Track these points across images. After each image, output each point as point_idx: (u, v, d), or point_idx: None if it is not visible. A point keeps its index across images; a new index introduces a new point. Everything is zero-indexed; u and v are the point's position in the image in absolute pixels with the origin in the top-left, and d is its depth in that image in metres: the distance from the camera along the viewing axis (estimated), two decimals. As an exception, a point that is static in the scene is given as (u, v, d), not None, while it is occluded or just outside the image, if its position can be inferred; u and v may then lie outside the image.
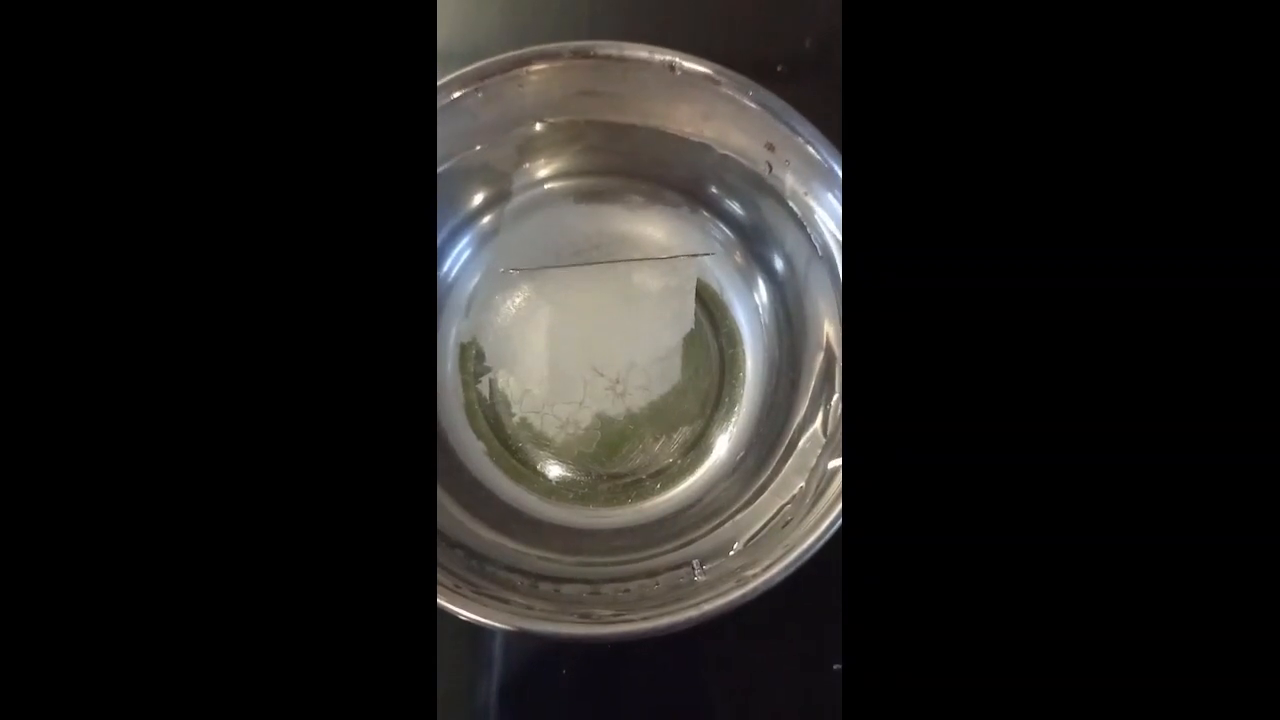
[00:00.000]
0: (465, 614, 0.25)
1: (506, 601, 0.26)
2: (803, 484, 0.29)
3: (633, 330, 0.34)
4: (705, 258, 0.35)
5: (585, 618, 0.25)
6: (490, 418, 0.34)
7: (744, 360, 0.35)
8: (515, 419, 0.34)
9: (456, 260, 0.35)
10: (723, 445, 0.34)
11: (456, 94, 0.30)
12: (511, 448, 0.33)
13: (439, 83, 0.30)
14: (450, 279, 0.35)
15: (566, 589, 0.28)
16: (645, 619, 0.25)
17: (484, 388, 0.34)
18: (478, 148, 0.32)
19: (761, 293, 0.35)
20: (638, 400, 0.34)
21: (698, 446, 0.34)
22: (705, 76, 0.31)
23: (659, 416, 0.34)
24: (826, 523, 0.26)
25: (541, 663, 0.32)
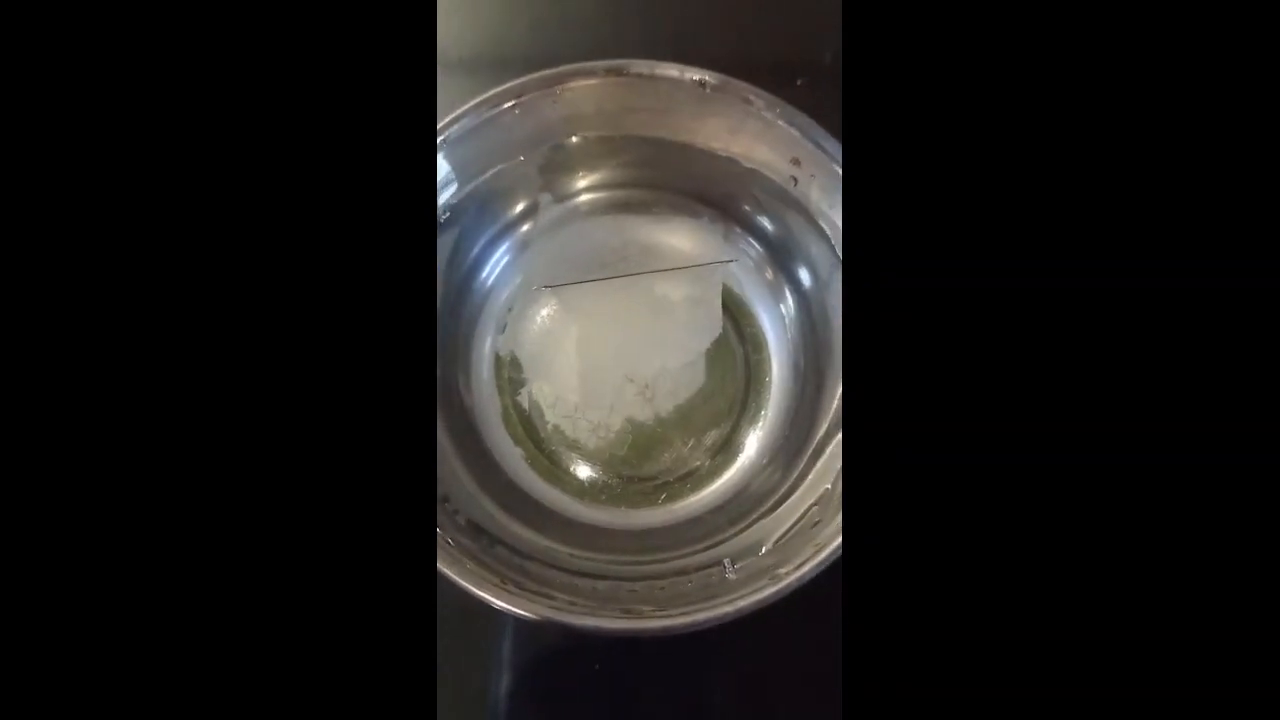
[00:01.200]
0: (511, 608, 0.26)
1: (551, 597, 0.27)
2: (829, 486, 0.30)
3: (661, 337, 0.36)
4: (732, 267, 0.37)
5: (628, 613, 0.26)
6: (525, 424, 0.35)
7: (769, 367, 0.36)
8: (550, 425, 0.35)
9: (494, 268, 0.36)
10: (750, 448, 0.35)
11: (495, 109, 0.32)
12: (546, 452, 0.35)
13: (479, 99, 0.31)
14: (488, 287, 0.36)
15: (602, 586, 0.29)
16: (684, 614, 0.26)
17: (522, 398, 0.35)
18: (519, 158, 0.34)
19: (787, 302, 0.36)
20: (666, 405, 0.35)
21: (725, 449, 0.35)
22: (734, 94, 0.32)
23: (687, 420, 0.35)
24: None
25: (562, 657, 0.33)
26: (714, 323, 0.36)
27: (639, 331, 0.36)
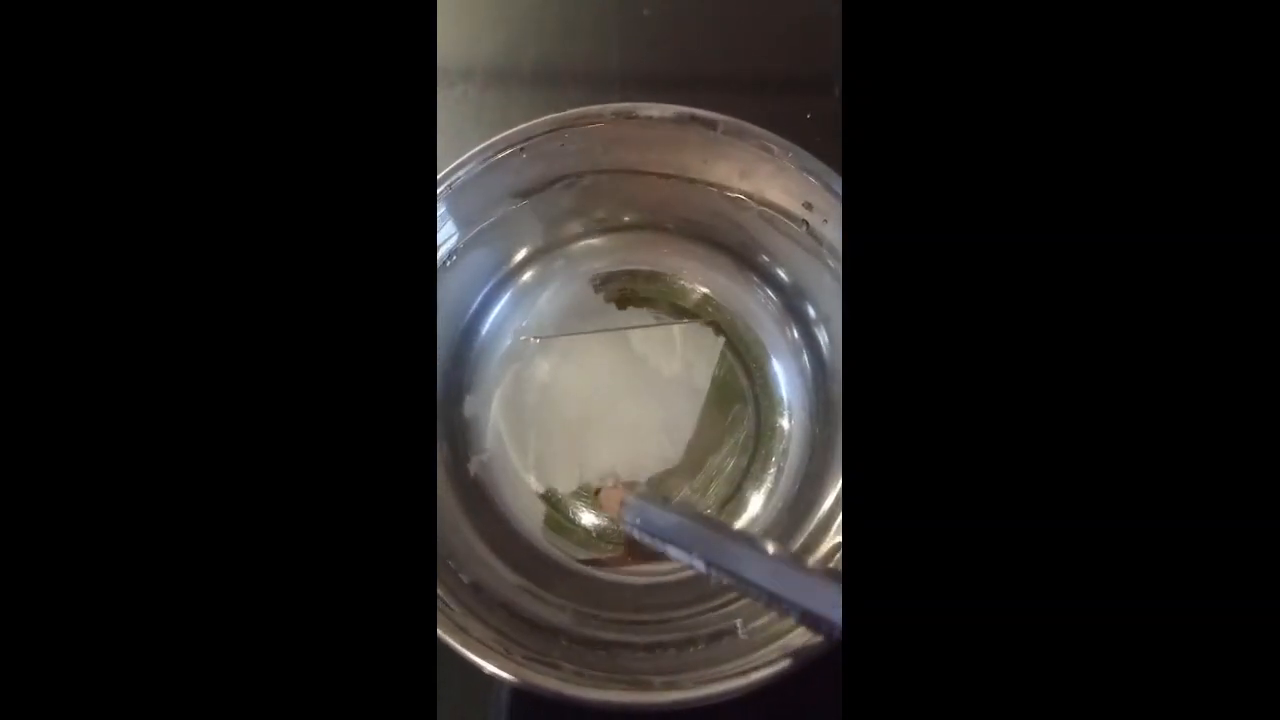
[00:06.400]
0: (516, 679, 0.25)
1: (557, 667, 0.26)
2: (838, 540, 0.30)
3: (662, 385, 0.35)
4: (741, 308, 0.36)
5: (633, 685, 0.26)
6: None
7: (780, 412, 0.35)
8: (557, 474, 0.34)
9: (500, 317, 0.35)
10: (758, 503, 0.34)
11: (500, 155, 0.31)
12: (553, 502, 0.34)
13: (484, 145, 0.31)
14: (492, 337, 0.35)
15: (612, 650, 0.28)
16: (697, 686, 0.25)
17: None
18: (521, 204, 0.33)
19: (796, 344, 0.35)
20: (674, 452, 0.34)
21: (733, 501, 0.34)
22: (744, 136, 0.31)
23: (696, 467, 0.34)
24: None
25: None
26: (711, 364, 0.35)
27: (641, 380, 0.35)
